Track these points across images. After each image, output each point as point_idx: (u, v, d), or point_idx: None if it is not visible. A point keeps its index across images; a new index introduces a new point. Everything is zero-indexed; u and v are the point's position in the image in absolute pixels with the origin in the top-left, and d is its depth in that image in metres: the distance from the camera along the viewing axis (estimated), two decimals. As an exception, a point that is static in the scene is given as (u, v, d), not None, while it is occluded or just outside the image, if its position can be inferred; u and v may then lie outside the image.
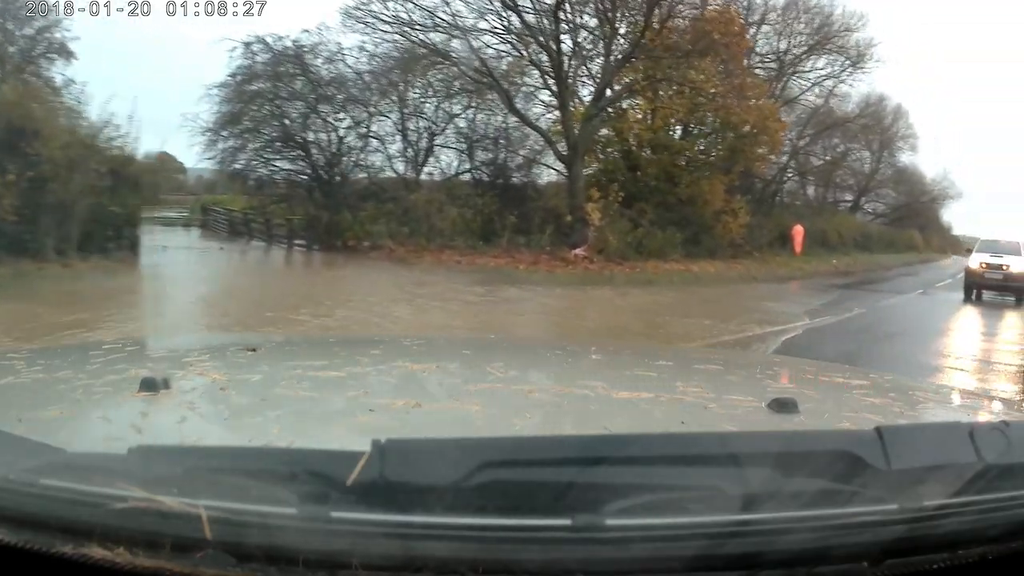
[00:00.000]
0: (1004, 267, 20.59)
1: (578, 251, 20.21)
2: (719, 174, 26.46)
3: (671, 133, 27.10)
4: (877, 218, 52.70)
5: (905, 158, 51.07)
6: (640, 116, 25.49)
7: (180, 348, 1.98)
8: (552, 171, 25.67)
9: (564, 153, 22.25)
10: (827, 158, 43.31)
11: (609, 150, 26.82)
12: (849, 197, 49.88)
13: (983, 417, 1.65)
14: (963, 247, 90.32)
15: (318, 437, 1.15)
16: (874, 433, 0.84)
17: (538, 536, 0.76)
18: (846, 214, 46.61)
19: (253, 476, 0.77)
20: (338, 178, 24.08)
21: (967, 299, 20.99)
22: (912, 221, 59.83)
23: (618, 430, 1.14)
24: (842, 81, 36.82)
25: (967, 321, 17.08)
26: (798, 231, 31.18)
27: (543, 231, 21.52)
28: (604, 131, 25.55)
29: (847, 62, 35.03)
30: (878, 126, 44.09)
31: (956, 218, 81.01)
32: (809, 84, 36.93)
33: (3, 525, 0.78)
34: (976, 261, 21.13)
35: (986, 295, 20.98)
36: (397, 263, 19.39)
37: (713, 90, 22.45)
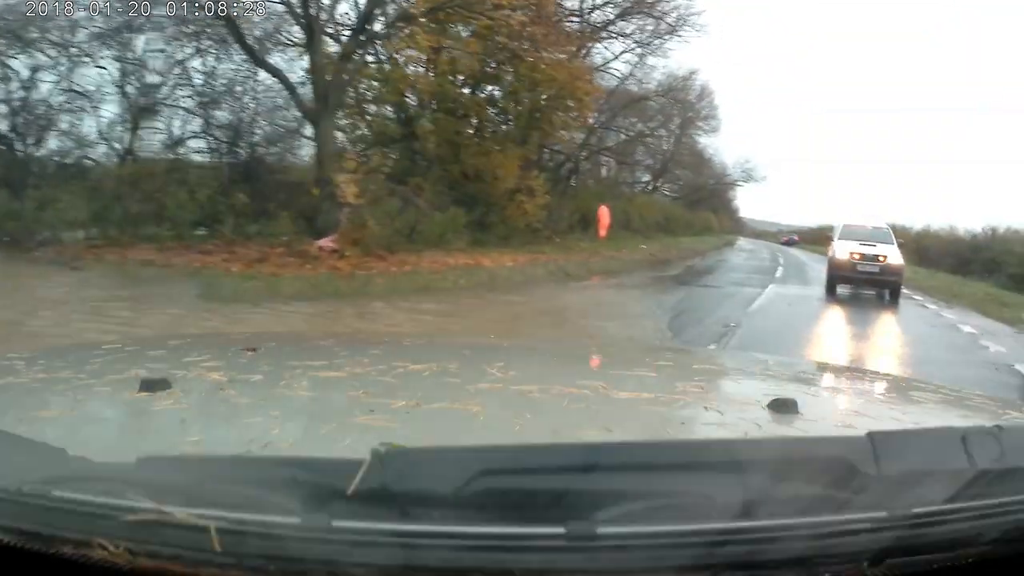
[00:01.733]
0: (880, 258, 16.96)
1: (324, 242, 14.55)
2: (514, 145, 21.75)
3: (461, 88, 21.88)
4: (676, 199, 51.12)
5: (707, 139, 49.89)
6: (420, 63, 19.87)
7: (180, 348, 1.89)
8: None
9: (311, 106, 16.43)
10: (631, 134, 40.12)
11: (383, 110, 21.43)
12: (646, 177, 47.83)
13: (983, 419, 1.44)
14: (750, 229, 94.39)
15: (318, 437, 1.14)
16: (866, 439, 0.83)
17: (533, 544, 0.76)
18: (646, 195, 44.30)
19: (257, 486, 0.79)
20: (24, 147, 17.32)
21: (831, 294, 17.37)
22: (707, 203, 59.44)
23: (619, 430, 1.16)
24: (652, 52, 33.29)
25: (909, 329, 12.77)
26: (603, 213, 27.56)
27: (281, 215, 15.78)
28: (376, 83, 20.09)
29: (662, 29, 31.43)
30: (681, 104, 41.38)
31: (742, 201, 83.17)
32: (618, 53, 33.14)
33: (14, 535, 0.80)
34: (845, 251, 17.29)
35: (840, 289, 17.47)
36: (58, 266, 12.97)
37: (516, 25, 16.91)
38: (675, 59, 50.66)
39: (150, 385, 1.22)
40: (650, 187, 47.55)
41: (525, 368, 1.75)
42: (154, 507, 0.75)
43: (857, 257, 16.98)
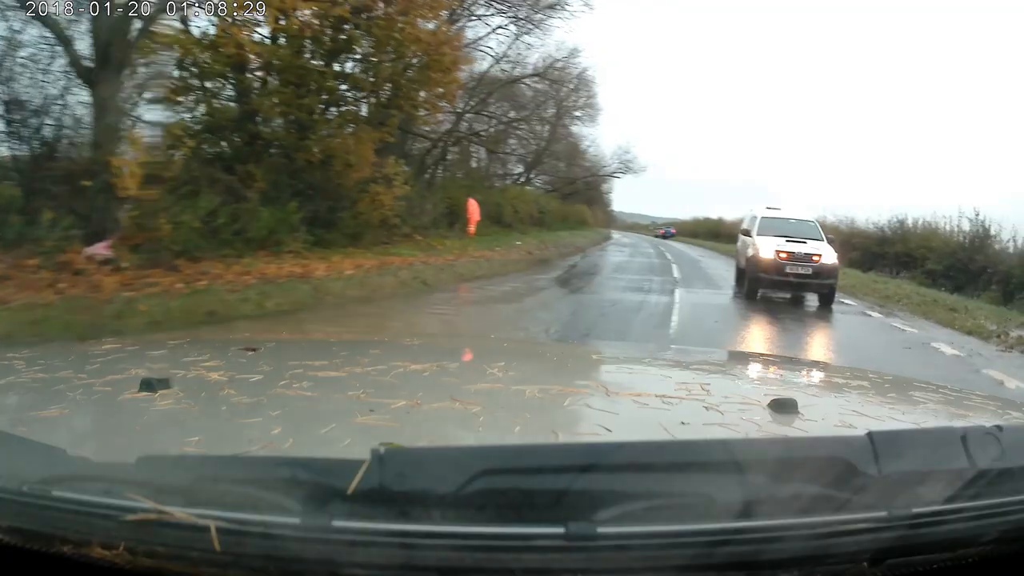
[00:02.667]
0: (814, 258, 14.30)
1: (96, 249, 10.66)
2: (369, 128, 18.20)
3: (308, 58, 18.06)
4: (550, 192, 48.58)
5: (584, 129, 47.59)
6: (256, 25, 15.93)
7: (180, 348, 1.89)
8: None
9: (90, 65, 12.37)
10: (504, 121, 37.06)
11: (217, 85, 17.41)
12: (519, 169, 45.08)
13: (983, 419, 1.47)
14: (621, 222, 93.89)
15: (318, 437, 1.10)
16: (866, 439, 0.82)
17: (533, 544, 0.75)
18: (518, 187, 41.48)
19: (258, 486, 0.77)
20: None
21: (752, 300, 14.60)
22: (581, 195, 57.33)
23: (618, 430, 1.15)
24: (535, 27, 30.31)
25: (879, 352, 9.20)
26: (473, 206, 24.46)
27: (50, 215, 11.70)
28: (207, 56, 16.07)
29: (543, 3, 28.49)
30: (557, 85, 38.59)
31: (614, 194, 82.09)
32: (494, 27, 30.01)
33: (14, 535, 0.79)
34: (770, 248, 14.50)
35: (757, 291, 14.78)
36: None
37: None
38: (564, 39, 48.33)
39: (150, 385, 1.21)
40: (523, 179, 44.79)
41: (525, 368, 1.74)
42: (154, 507, 0.74)
43: (785, 256, 14.30)
